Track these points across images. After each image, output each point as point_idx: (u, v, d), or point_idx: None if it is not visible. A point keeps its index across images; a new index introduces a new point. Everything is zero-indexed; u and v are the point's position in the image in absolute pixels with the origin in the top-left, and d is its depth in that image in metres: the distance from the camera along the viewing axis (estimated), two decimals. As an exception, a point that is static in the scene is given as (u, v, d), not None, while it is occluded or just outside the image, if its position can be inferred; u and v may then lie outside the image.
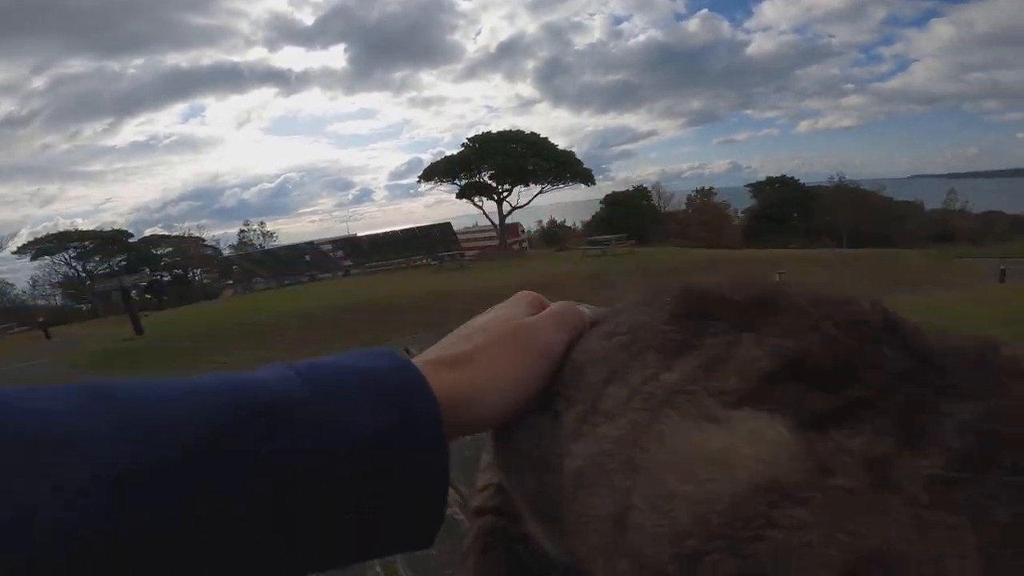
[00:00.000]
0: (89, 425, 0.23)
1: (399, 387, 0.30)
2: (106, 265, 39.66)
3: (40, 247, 38.23)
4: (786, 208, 41.85)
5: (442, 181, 35.52)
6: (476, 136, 35.16)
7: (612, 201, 41.08)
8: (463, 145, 35.14)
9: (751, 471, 0.24)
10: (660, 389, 0.30)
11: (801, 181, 44.92)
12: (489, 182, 34.18)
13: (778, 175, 45.93)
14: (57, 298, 38.90)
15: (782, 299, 0.31)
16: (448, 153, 36.96)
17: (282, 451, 0.26)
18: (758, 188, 44.74)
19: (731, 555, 0.23)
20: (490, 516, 0.44)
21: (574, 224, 45.90)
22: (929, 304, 6.34)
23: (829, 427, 0.25)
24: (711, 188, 44.61)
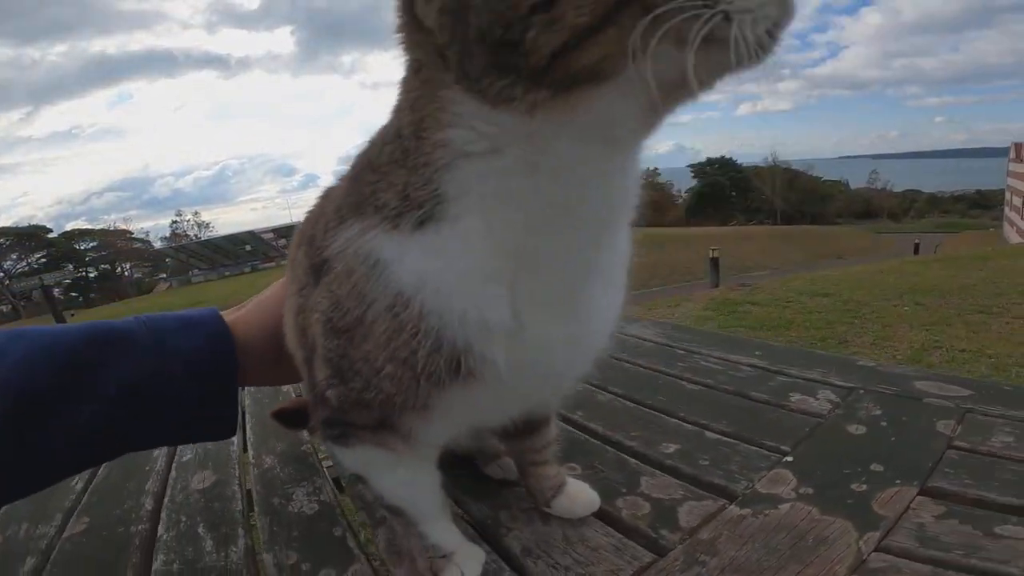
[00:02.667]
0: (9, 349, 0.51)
1: (203, 321, 0.59)
2: (24, 263, 36.85)
3: (-53, 246, 35.08)
4: (725, 187, 43.33)
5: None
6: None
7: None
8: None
9: None
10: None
11: (739, 162, 46.63)
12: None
13: (719, 156, 47.50)
14: (-31, 300, 35.82)
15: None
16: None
17: (125, 361, 0.53)
18: (699, 169, 46.05)
19: None
20: None
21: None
22: (844, 276, 6.75)
23: None
24: (655, 169, 45.56)
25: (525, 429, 0.59)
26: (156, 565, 0.66)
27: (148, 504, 0.80)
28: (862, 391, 0.86)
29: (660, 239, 18.50)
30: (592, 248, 0.38)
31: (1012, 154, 30.03)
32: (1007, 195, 31.05)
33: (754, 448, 0.73)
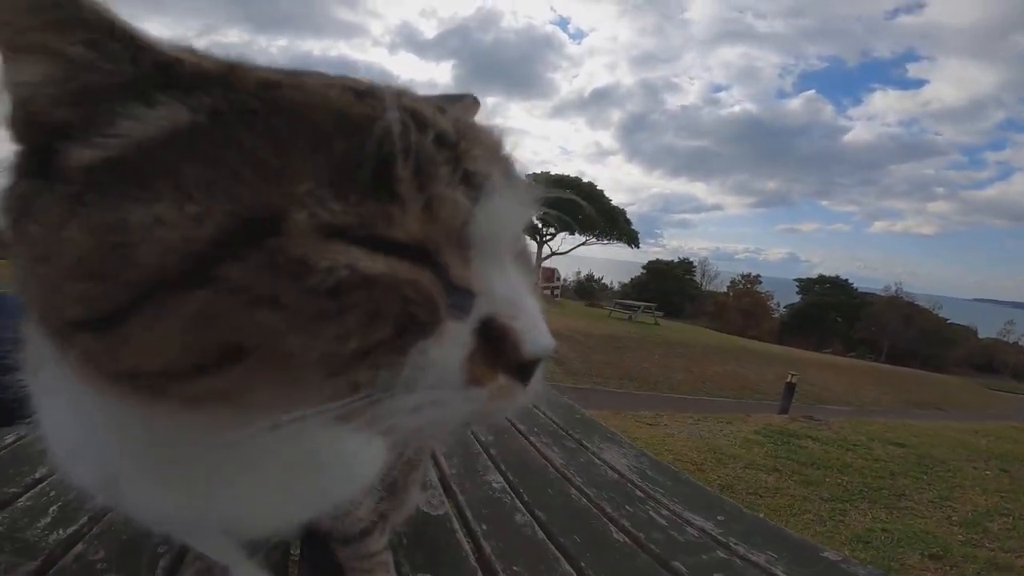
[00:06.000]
0: None
1: None
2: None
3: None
4: (830, 311, 40.54)
5: (491, 212, 36.36)
6: (534, 174, 36.42)
7: (653, 268, 40.74)
8: (519, 182, 36.42)
9: None
10: None
11: (854, 285, 43.40)
12: (535, 222, 34.91)
13: (833, 275, 44.78)
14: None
15: None
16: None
17: None
18: (806, 285, 43.58)
19: None
20: None
21: (611, 282, 45.26)
22: (930, 429, 6.02)
23: None
24: (756, 275, 43.74)
25: (338, 538, 0.57)
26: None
27: (38, 474, 0.83)
28: (788, 592, 0.74)
29: (740, 351, 17.45)
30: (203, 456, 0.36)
31: None
32: None
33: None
